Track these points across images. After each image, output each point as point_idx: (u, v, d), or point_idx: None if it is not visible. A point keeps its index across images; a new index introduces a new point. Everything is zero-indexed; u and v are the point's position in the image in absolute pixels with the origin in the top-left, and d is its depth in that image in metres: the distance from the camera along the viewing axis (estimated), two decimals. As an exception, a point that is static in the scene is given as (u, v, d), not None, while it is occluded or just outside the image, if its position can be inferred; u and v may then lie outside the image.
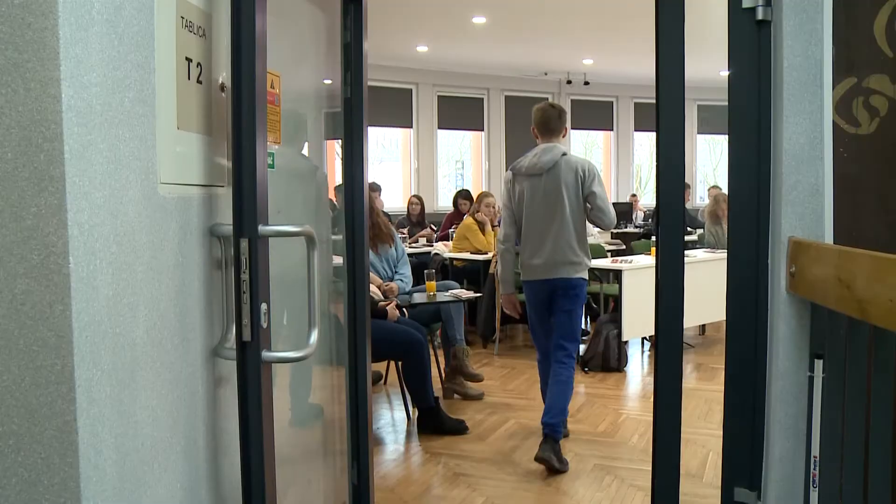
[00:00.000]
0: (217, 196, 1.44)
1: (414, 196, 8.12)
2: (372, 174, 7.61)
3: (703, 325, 6.18)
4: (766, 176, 1.80)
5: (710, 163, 12.67)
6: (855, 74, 1.77)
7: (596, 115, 11.74)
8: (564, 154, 3.43)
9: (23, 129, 0.98)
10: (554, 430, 3.24)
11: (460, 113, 10.75)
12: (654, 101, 1.91)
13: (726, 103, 1.83)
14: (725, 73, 1.85)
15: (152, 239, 1.20)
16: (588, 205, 3.39)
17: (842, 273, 1.47)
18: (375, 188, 6.45)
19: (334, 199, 2.74)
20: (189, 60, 1.32)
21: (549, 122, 3.46)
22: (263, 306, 1.31)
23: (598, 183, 3.40)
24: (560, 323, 3.42)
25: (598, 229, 5.47)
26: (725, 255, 1.88)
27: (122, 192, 1.12)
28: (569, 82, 11.01)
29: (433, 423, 3.78)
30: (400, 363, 3.85)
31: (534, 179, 3.42)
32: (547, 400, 3.39)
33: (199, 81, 1.36)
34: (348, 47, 2.14)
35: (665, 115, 1.89)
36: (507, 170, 3.64)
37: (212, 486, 1.41)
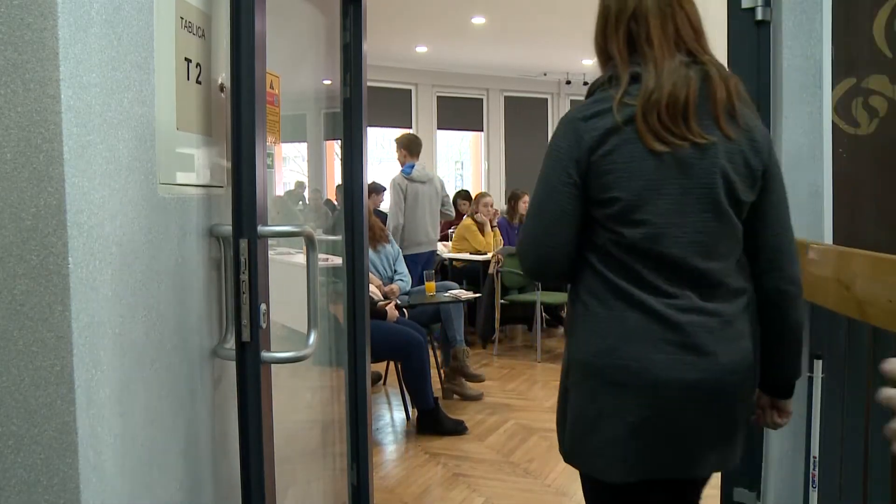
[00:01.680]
0: (216, 196, 1.44)
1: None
2: (371, 174, 7.59)
3: (703, 326, 6.17)
4: (765, 176, 1.80)
5: (709, 163, 12.66)
6: (854, 75, 1.77)
7: (595, 115, 11.72)
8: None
9: (22, 130, 0.98)
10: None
11: (459, 113, 10.74)
12: (653, 101, 1.91)
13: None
14: (725, 74, 1.85)
15: (151, 239, 1.20)
16: (443, 203, 5.52)
17: (841, 274, 1.47)
18: (379, 189, 6.42)
19: (334, 200, 2.74)
20: (188, 61, 1.32)
21: (419, 148, 5.42)
22: (263, 307, 1.31)
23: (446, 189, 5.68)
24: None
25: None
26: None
27: (121, 193, 1.12)
28: (568, 83, 11.00)
29: (432, 423, 3.77)
30: (399, 364, 3.85)
31: (421, 185, 5.33)
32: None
33: (198, 82, 1.36)
34: (348, 48, 2.14)
35: (664, 116, 1.88)
36: (402, 178, 5.30)
37: (211, 486, 1.41)
